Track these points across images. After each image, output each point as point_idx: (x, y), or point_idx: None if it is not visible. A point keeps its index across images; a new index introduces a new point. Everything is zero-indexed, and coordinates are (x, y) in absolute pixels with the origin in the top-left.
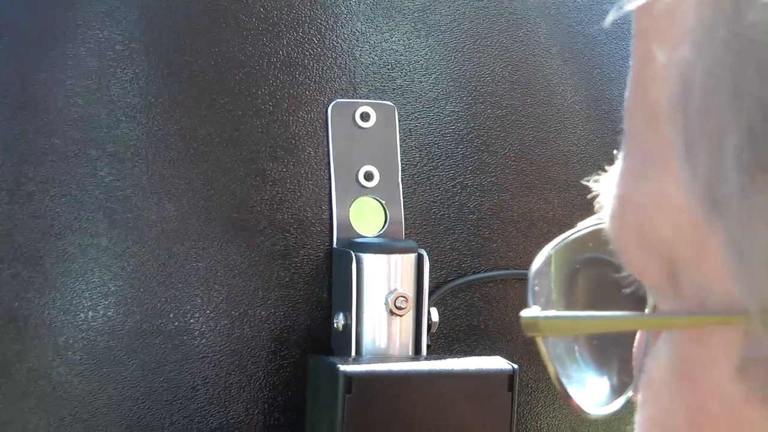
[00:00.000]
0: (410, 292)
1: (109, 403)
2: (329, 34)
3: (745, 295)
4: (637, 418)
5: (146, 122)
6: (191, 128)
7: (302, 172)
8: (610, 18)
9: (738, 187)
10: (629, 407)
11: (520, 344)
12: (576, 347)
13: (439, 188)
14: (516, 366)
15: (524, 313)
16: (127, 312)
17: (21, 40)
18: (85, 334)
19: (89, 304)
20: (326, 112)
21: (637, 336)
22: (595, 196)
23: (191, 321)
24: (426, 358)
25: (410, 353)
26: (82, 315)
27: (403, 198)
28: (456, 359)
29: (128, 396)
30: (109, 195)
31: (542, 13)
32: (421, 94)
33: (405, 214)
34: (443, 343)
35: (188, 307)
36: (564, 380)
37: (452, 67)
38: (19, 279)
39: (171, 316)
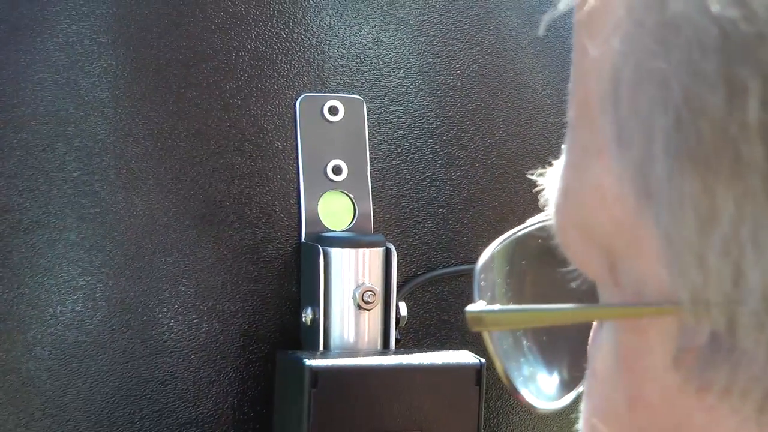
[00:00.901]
0: (378, 287)
1: (79, 398)
2: (298, 28)
3: (676, 284)
4: (582, 407)
5: (114, 117)
6: (159, 122)
7: (270, 166)
8: (544, 22)
9: (667, 173)
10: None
11: None
12: (525, 343)
13: (408, 182)
14: (483, 360)
15: (469, 307)
16: (95, 306)
17: None
18: (54, 329)
19: (58, 298)
20: (294, 106)
21: (592, 331)
22: (541, 191)
23: (159, 315)
24: (393, 352)
25: (379, 347)
26: (50, 310)
27: (372, 192)
28: (423, 353)
29: (97, 391)
30: (77, 189)
31: (513, 7)
32: (390, 88)
33: (374, 208)
34: (413, 337)
35: (156, 301)
36: (512, 375)
37: (422, 60)
38: None
39: (139, 310)
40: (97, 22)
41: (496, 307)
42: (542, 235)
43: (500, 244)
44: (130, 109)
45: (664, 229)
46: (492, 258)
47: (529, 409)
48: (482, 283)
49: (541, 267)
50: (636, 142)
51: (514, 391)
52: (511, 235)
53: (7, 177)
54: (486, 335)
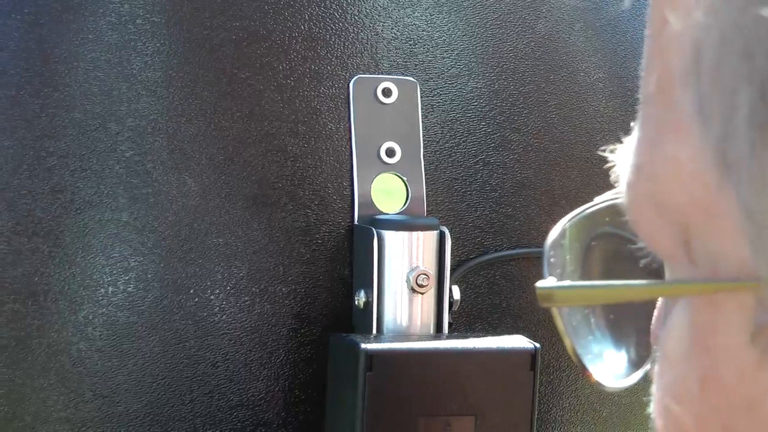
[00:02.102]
0: (432, 270)
1: (129, 378)
2: (351, 9)
3: (756, 258)
4: (654, 388)
5: (167, 97)
6: (212, 103)
7: (324, 147)
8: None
9: (749, 146)
10: (647, 380)
11: (542, 323)
12: (593, 320)
13: (461, 165)
14: (538, 345)
15: (540, 283)
16: (147, 287)
17: (41, 14)
18: (106, 309)
19: (109, 279)
20: (348, 87)
21: (655, 311)
22: (612, 167)
23: (211, 297)
24: (447, 337)
25: (431, 331)
26: (102, 290)
27: (425, 175)
28: (477, 338)
29: (148, 372)
30: (129, 170)
31: None
32: (443, 70)
33: (427, 191)
34: (465, 321)
35: (209, 283)
36: (581, 353)
37: (475, 43)
38: (39, 254)
39: (191, 291)
40: (150, 1)
41: (566, 283)
42: (612, 212)
43: (570, 220)
44: (183, 90)
45: (745, 203)
46: (562, 234)
47: (596, 387)
48: (552, 260)
49: (610, 245)
50: (718, 114)
51: (583, 369)
52: (581, 212)
53: (59, 156)
54: (555, 312)
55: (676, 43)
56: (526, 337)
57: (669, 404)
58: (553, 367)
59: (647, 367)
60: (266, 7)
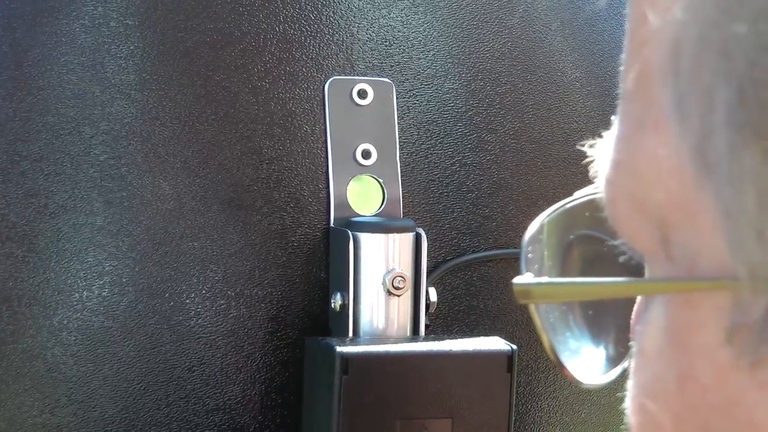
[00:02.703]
0: (408, 272)
1: (105, 384)
2: (326, 11)
3: (733, 258)
4: (629, 384)
5: (141, 100)
6: (186, 106)
7: (299, 150)
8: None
9: (727, 145)
10: (626, 379)
11: (520, 324)
12: (571, 317)
13: (437, 166)
14: (515, 346)
15: (516, 279)
16: (122, 292)
17: (14, 17)
18: (80, 314)
19: (84, 284)
20: (323, 89)
21: (635, 306)
22: (591, 163)
23: (187, 301)
24: (424, 339)
25: (408, 333)
26: (76, 295)
27: (401, 176)
28: (454, 340)
29: (124, 377)
30: (103, 173)
31: None
32: (419, 71)
33: (403, 193)
34: (442, 323)
35: (184, 286)
36: (558, 349)
37: (451, 43)
38: (13, 258)
39: (166, 295)
40: (123, 4)
41: (544, 279)
42: (591, 208)
43: (548, 216)
44: (157, 92)
45: (723, 202)
46: (540, 230)
47: (571, 384)
48: (529, 255)
49: (589, 241)
50: (696, 113)
51: (560, 366)
52: (559, 208)
53: (32, 160)
54: (533, 308)
55: (655, 40)
56: (504, 338)
57: (645, 402)
58: (531, 369)
59: (626, 363)
60: (240, 9)
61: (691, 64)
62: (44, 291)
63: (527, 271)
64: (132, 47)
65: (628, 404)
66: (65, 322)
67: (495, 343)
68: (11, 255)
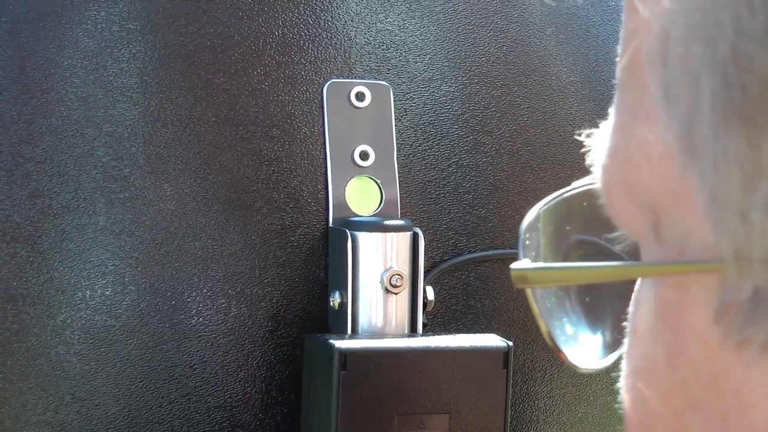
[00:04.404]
0: (406, 271)
1: (108, 382)
2: (324, 15)
3: (719, 241)
4: (623, 364)
5: (143, 102)
6: (188, 108)
7: (298, 151)
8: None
9: (712, 130)
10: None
11: (516, 323)
12: (568, 303)
13: (434, 168)
14: (511, 343)
15: (514, 265)
16: (124, 291)
17: (18, 22)
18: (83, 313)
19: (87, 283)
20: (322, 92)
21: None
22: (587, 152)
23: (188, 300)
24: (421, 336)
25: (406, 331)
26: (80, 294)
27: (399, 177)
28: (451, 336)
29: (126, 375)
30: (106, 175)
31: None
32: (416, 75)
33: (400, 194)
34: (440, 322)
35: (185, 286)
36: (555, 334)
37: (447, 47)
38: (18, 258)
39: (168, 295)
40: (125, 8)
41: (540, 264)
42: (588, 197)
43: (546, 204)
44: (159, 95)
45: (709, 185)
46: (537, 218)
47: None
48: (527, 242)
49: (586, 229)
50: (683, 100)
51: (557, 350)
52: (558, 196)
53: (36, 162)
54: (530, 293)
55: (645, 30)
56: (501, 337)
57: (636, 380)
58: (528, 368)
59: (622, 350)
60: (240, 14)
61: (678, 52)
62: (48, 290)
63: (525, 257)
64: (134, 51)
65: (621, 383)
66: (69, 321)
67: (491, 340)
68: (16, 255)
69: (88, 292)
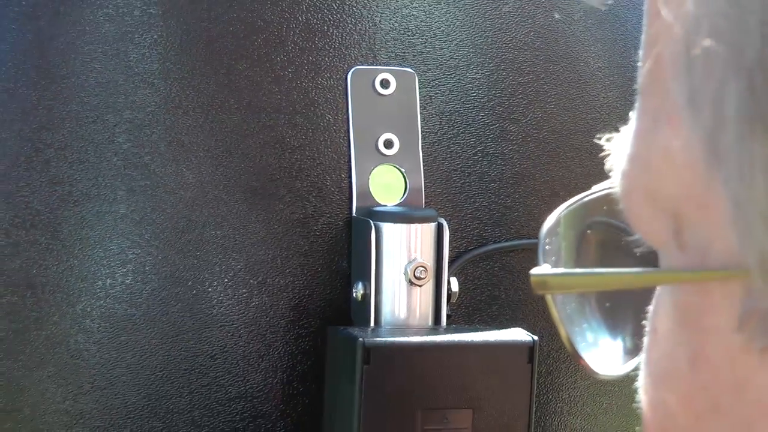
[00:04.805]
0: (430, 262)
1: (128, 371)
2: (349, 1)
3: (744, 248)
4: (642, 365)
5: (164, 89)
6: (210, 95)
7: (321, 139)
8: None
9: (737, 137)
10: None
11: (542, 314)
12: (588, 308)
13: (459, 156)
14: (536, 337)
15: (534, 270)
16: (145, 280)
17: (38, 6)
18: (103, 301)
19: (107, 271)
20: (346, 78)
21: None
22: (608, 157)
23: (209, 289)
24: (445, 329)
25: (430, 323)
26: (100, 282)
27: (424, 166)
28: (475, 330)
29: (146, 364)
30: (127, 162)
31: None
32: (441, 61)
33: (425, 183)
34: (464, 313)
35: (206, 275)
36: (575, 340)
37: (473, 33)
38: (37, 246)
39: (189, 284)
40: None
41: (560, 270)
42: (609, 201)
43: (566, 209)
44: (180, 82)
45: (733, 192)
46: (558, 222)
47: (590, 375)
48: (547, 247)
49: (605, 234)
50: (707, 106)
51: (577, 356)
52: (578, 201)
53: (57, 149)
54: (549, 299)
55: (668, 34)
56: (525, 329)
57: (655, 381)
58: (553, 359)
59: (643, 356)
60: None
61: (702, 57)
62: (68, 278)
63: (545, 263)
64: (155, 36)
65: (639, 383)
66: (88, 309)
67: (516, 334)
68: (35, 242)
69: (108, 280)
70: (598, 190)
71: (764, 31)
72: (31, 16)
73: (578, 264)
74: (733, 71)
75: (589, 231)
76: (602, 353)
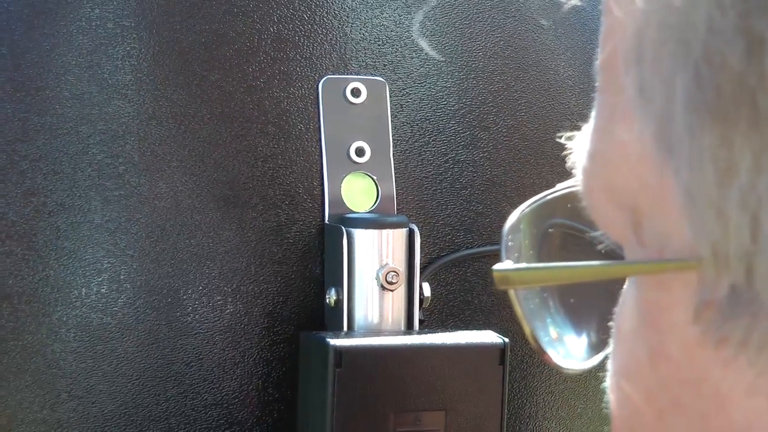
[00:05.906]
0: (402, 267)
1: (104, 379)
2: (320, 11)
3: (697, 239)
4: (609, 365)
5: (138, 100)
6: (182, 105)
7: (293, 148)
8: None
9: (687, 129)
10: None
11: (514, 320)
12: (551, 305)
13: (431, 164)
14: (507, 340)
15: (496, 266)
16: (120, 289)
17: (12, 19)
18: (79, 311)
19: (82, 281)
20: (317, 88)
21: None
22: (569, 154)
23: (184, 297)
24: (417, 332)
25: (402, 328)
26: (75, 292)
27: (395, 173)
28: (447, 333)
29: (122, 372)
30: (101, 172)
31: None
32: (412, 70)
33: (397, 190)
34: (437, 318)
35: (181, 283)
36: (539, 335)
37: (443, 42)
38: (13, 256)
39: (164, 292)
40: (119, 5)
41: (522, 264)
42: (571, 199)
43: (528, 206)
44: (153, 92)
45: (685, 184)
46: (519, 220)
47: (557, 371)
48: (510, 244)
49: (568, 231)
50: (658, 99)
51: (541, 351)
52: (540, 199)
53: (31, 160)
54: (512, 295)
55: (620, 30)
56: (498, 333)
57: (620, 380)
58: (527, 364)
59: (607, 350)
60: (235, 10)
61: (652, 52)
62: (43, 288)
63: (507, 259)
64: (128, 48)
65: (607, 383)
66: (64, 318)
67: (488, 337)
68: (11, 253)
69: (83, 289)
70: (561, 188)
71: (710, 24)
72: (6, 29)
73: (540, 260)
74: (681, 65)
75: (551, 229)
76: (566, 348)
